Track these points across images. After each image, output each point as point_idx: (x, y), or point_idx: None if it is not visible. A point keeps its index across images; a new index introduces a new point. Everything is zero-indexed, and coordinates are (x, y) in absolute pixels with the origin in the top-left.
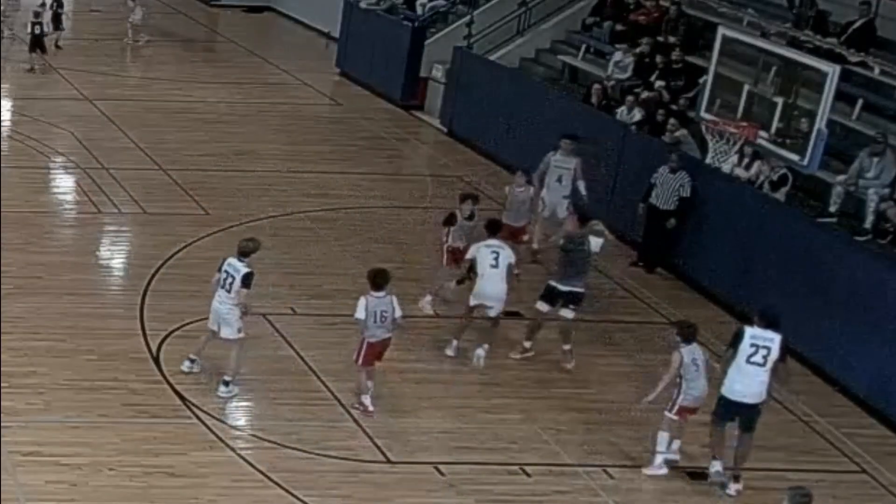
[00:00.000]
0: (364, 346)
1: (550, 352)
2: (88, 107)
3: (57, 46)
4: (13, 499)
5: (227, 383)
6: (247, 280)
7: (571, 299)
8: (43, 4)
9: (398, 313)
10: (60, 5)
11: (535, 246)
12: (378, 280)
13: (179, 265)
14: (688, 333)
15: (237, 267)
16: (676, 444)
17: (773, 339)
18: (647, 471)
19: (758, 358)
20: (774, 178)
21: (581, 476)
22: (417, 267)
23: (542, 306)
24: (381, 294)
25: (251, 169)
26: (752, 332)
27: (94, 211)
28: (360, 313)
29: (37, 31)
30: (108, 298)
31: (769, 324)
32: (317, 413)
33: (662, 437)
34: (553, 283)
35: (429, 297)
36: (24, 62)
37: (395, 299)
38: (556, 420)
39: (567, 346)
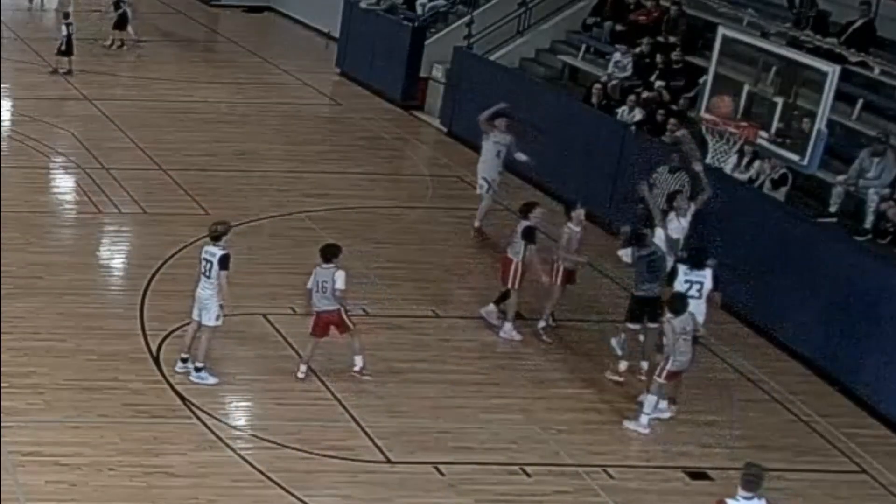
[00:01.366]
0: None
1: (548, 353)
2: (89, 107)
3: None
4: (13, 499)
5: (198, 369)
6: (224, 262)
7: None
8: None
9: (338, 285)
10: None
11: (476, 224)
12: (326, 252)
13: (179, 265)
14: (677, 306)
15: (213, 251)
16: (663, 404)
17: (705, 275)
18: (629, 424)
19: (693, 292)
20: (775, 176)
21: (581, 476)
22: (417, 266)
23: (634, 325)
24: (328, 266)
25: (251, 169)
26: (684, 270)
27: (94, 211)
28: (309, 283)
29: (70, 32)
30: (108, 298)
31: (699, 265)
32: (317, 413)
33: (650, 399)
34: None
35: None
36: (52, 64)
37: (339, 273)
38: (555, 420)
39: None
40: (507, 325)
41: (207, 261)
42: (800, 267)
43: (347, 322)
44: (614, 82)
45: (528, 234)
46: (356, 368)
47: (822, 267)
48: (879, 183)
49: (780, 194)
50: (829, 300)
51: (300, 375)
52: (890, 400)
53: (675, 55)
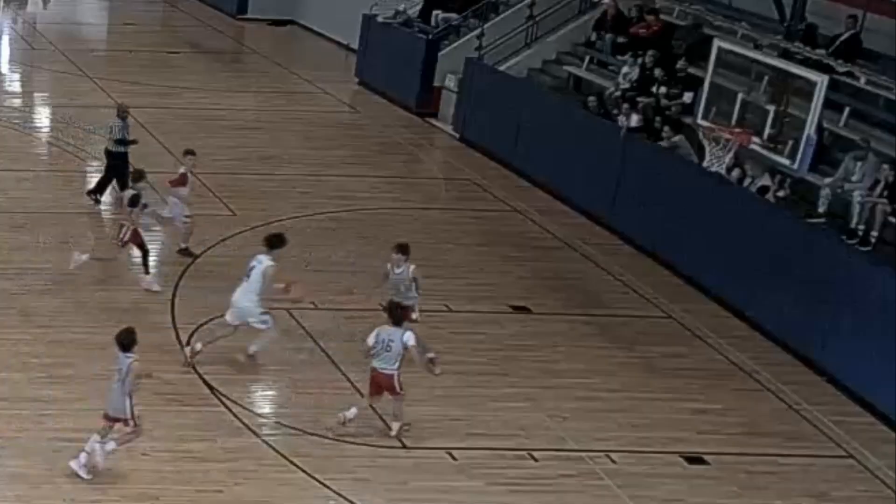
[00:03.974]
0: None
1: (556, 344)
2: None
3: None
4: (52, 482)
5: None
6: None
7: None
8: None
9: (410, 343)
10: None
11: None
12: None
13: (208, 263)
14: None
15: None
16: None
17: None
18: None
19: None
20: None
21: (585, 461)
22: (431, 264)
23: None
24: (396, 329)
25: (276, 172)
26: None
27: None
28: (371, 340)
29: None
30: (141, 294)
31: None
32: (336, 402)
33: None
34: None
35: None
36: None
37: (409, 334)
38: (561, 408)
39: None
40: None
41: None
42: (790, 264)
43: (399, 387)
44: (617, 93)
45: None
46: (392, 433)
47: (811, 264)
48: (863, 185)
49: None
50: (819, 295)
51: (349, 416)
52: (876, 389)
53: (679, 64)
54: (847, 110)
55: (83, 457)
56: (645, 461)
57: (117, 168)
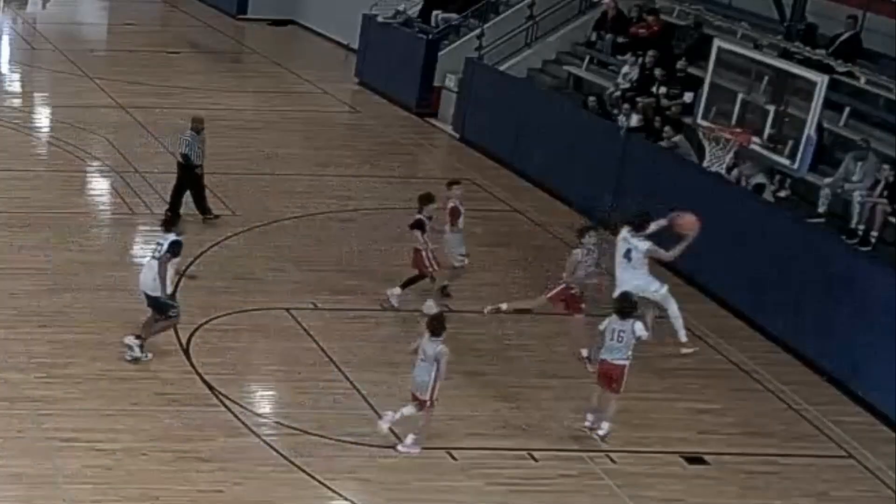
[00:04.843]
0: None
1: (555, 345)
2: (122, 114)
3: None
4: (52, 482)
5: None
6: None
7: None
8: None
9: (638, 333)
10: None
11: None
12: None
13: (208, 263)
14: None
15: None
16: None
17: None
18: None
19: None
20: (751, 186)
21: (585, 461)
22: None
23: None
24: (625, 320)
25: (276, 172)
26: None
27: (127, 212)
28: (602, 325)
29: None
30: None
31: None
32: (336, 401)
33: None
34: None
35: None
36: None
37: (638, 324)
38: (561, 408)
39: None
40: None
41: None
42: (790, 264)
43: (622, 383)
44: (617, 93)
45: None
46: (601, 433)
47: (811, 264)
48: (863, 185)
49: (767, 195)
50: (820, 294)
51: (591, 427)
52: (876, 390)
53: (679, 64)
54: (847, 110)
55: (391, 415)
56: (645, 461)
57: (193, 181)
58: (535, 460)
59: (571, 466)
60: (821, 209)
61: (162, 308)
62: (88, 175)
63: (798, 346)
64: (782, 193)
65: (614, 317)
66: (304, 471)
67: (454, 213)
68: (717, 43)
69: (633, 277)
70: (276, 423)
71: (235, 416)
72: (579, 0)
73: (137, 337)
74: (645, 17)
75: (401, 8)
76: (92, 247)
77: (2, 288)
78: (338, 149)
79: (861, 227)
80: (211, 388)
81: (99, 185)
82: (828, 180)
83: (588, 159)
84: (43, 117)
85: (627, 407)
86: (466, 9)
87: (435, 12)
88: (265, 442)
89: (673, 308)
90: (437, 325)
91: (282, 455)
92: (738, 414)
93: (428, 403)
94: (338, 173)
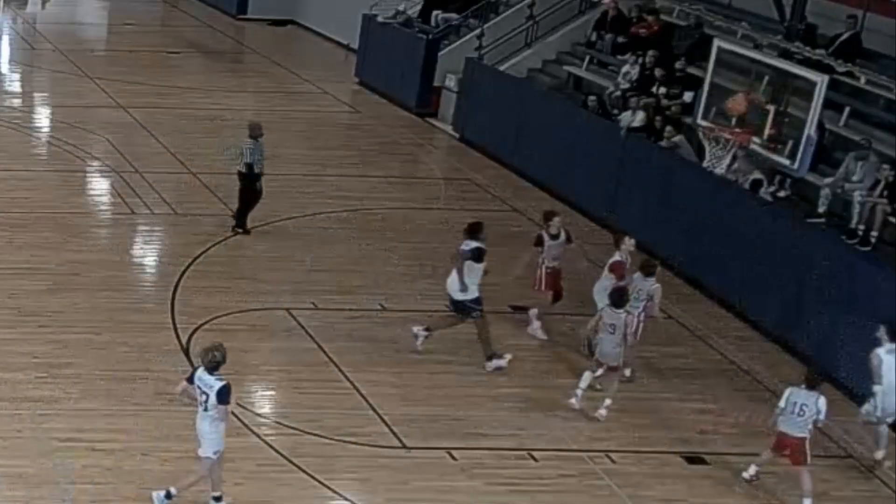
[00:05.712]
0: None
1: (554, 345)
2: (122, 114)
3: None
4: (52, 481)
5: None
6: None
7: None
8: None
9: (821, 415)
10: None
11: None
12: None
13: (208, 263)
14: (614, 299)
15: (209, 382)
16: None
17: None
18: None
19: None
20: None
21: (585, 461)
22: (431, 264)
23: None
24: (812, 392)
25: (275, 172)
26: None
27: (127, 212)
28: (781, 402)
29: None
30: (140, 294)
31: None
32: (337, 401)
33: (585, 375)
34: None
35: (537, 323)
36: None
37: (822, 400)
38: (561, 408)
39: None
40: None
41: (203, 391)
42: (790, 264)
43: (807, 454)
44: (617, 93)
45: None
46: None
47: (811, 264)
48: (863, 185)
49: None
50: (819, 296)
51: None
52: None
53: (679, 65)
54: (847, 110)
55: (580, 393)
56: (645, 461)
57: (245, 190)
58: (535, 460)
59: (571, 466)
60: (821, 209)
61: (466, 311)
62: (88, 175)
63: (798, 346)
64: (782, 193)
65: (798, 388)
66: (304, 471)
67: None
68: (717, 43)
69: None
70: (276, 423)
71: (235, 416)
72: (579, 0)
73: (427, 329)
74: (645, 17)
75: (401, 8)
76: (92, 247)
77: (2, 288)
78: (338, 149)
79: (861, 227)
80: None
81: (99, 185)
82: (828, 180)
83: (588, 159)
84: (43, 117)
85: (627, 407)
86: (466, 9)
87: (435, 12)
88: (265, 442)
89: None
90: (618, 298)
91: (282, 455)
92: (738, 414)
93: (617, 368)
94: (338, 173)
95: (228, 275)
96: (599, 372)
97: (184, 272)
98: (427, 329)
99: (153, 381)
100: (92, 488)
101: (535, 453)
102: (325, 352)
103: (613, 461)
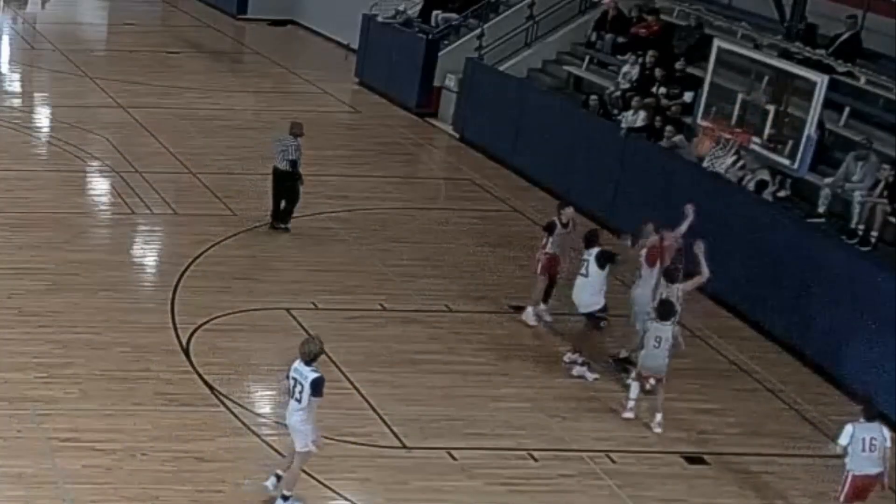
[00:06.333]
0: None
1: (555, 345)
2: (122, 114)
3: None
4: (52, 481)
5: (285, 497)
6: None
7: None
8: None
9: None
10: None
11: None
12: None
13: (207, 263)
14: (661, 311)
15: (304, 373)
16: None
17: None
18: (625, 414)
19: (583, 270)
20: (753, 182)
21: (585, 461)
22: (431, 263)
23: None
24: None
25: None
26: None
27: (127, 212)
28: (843, 439)
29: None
30: (140, 294)
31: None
32: (337, 402)
33: (634, 385)
34: None
35: (530, 309)
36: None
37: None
38: (561, 408)
39: None
40: (529, 309)
41: (298, 382)
42: (790, 264)
43: (885, 484)
44: (617, 93)
45: (548, 227)
46: None
47: (811, 264)
48: (864, 185)
49: (767, 195)
50: (819, 296)
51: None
52: (876, 389)
53: (678, 65)
54: (847, 110)
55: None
56: (645, 461)
57: (288, 189)
58: (535, 460)
59: (571, 466)
60: (821, 209)
61: (595, 320)
62: (88, 175)
63: (798, 346)
64: (782, 193)
65: (860, 424)
66: (303, 470)
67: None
68: (717, 43)
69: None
70: (277, 423)
71: (235, 417)
72: (579, 0)
73: (576, 352)
74: (645, 17)
75: (401, 8)
76: (92, 247)
77: (2, 288)
78: (338, 149)
79: (861, 227)
80: (211, 388)
81: (99, 185)
82: (828, 180)
83: (588, 159)
84: (43, 117)
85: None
86: (466, 9)
87: (435, 12)
88: (265, 442)
89: None
90: (666, 311)
91: (282, 455)
92: (738, 414)
93: (663, 379)
94: (338, 173)
95: (228, 275)
96: (648, 386)
97: (184, 272)
98: (582, 359)
99: (153, 381)
100: (92, 488)
101: (535, 453)
102: (325, 352)
103: (613, 461)
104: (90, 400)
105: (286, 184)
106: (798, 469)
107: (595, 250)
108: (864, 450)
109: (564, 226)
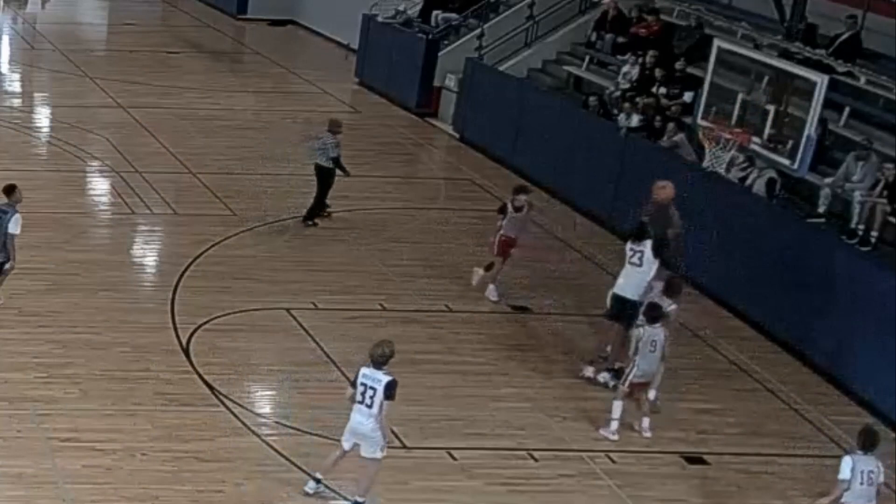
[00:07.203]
0: None
1: (554, 345)
2: (122, 114)
3: None
4: (52, 482)
5: None
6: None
7: None
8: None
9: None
10: None
11: None
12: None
13: (207, 263)
14: (652, 316)
15: (376, 377)
16: (614, 425)
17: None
18: (602, 431)
19: (635, 259)
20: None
21: (585, 460)
22: (431, 263)
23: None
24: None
25: (275, 172)
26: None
27: (127, 212)
28: (843, 474)
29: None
30: (140, 294)
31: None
32: (337, 402)
33: (616, 405)
34: None
35: (492, 286)
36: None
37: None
38: (561, 408)
39: None
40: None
41: (368, 387)
42: (790, 264)
43: None
44: (617, 93)
45: (501, 209)
46: None
47: (811, 264)
48: (864, 185)
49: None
50: (819, 296)
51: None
52: (875, 388)
53: (678, 65)
54: (847, 110)
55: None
56: (644, 461)
57: (328, 185)
58: (535, 460)
59: (571, 466)
60: (821, 209)
61: (631, 317)
62: (88, 175)
63: (798, 346)
64: (782, 193)
65: (858, 455)
66: (303, 471)
67: None
68: (717, 43)
69: None
70: (276, 423)
71: (235, 416)
72: (579, 0)
73: (609, 370)
74: (645, 17)
75: (401, 8)
76: (92, 247)
77: (2, 288)
78: None
79: (861, 227)
80: (211, 388)
81: (99, 185)
82: (828, 180)
83: (588, 159)
84: (43, 117)
85: (627, 407)
86: (466, 9)
87: (435, 12)
88: (265, 442)
89: None
90: (654, 314)
91: (282, 455)
92: (738, 414)
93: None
94: (338, 173)
95: (228, 275)
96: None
97: (184, 272)
98: (608, 366)
99: (153, 381)
100: (92, 488)
101: (535, 453)
102: (325, 352)
103: (613, 461)
104: (90, 400)
105: (330, 181)
106: (798, 469)
107: (648, 241)
108: (861, 483)
109: (518, 210)
